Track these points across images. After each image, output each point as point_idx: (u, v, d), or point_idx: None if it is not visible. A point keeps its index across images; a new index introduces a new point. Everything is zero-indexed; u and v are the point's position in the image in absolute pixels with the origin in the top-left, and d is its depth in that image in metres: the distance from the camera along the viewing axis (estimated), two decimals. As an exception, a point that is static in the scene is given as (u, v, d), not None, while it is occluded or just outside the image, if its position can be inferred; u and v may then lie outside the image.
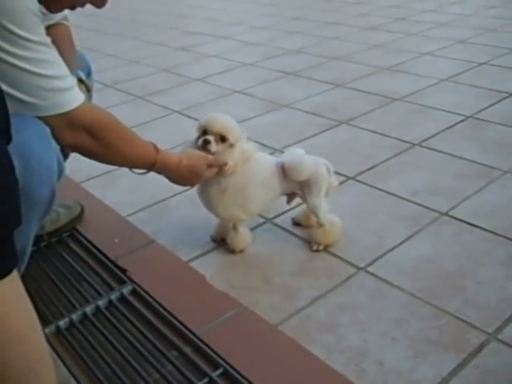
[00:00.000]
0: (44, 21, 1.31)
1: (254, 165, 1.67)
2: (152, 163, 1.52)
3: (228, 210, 1.69)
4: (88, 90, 1.74)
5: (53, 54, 1.29)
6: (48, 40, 1.28)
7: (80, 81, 1.66)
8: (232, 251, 1.75)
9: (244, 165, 1.65)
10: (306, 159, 1.65)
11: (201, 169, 1.59)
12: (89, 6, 1.43)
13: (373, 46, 3.82)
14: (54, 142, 1.34)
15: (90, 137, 1.37)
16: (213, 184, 1.65)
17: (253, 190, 1.67)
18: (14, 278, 0.83)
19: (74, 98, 1.33)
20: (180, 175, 1.59)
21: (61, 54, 1.36)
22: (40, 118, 1.29)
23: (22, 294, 0.87)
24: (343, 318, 1.45)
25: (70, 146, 1.41)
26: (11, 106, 1.24)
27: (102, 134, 1.40)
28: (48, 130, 1.31)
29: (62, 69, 1.31)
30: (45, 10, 1.34)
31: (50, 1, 1.36)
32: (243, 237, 1.75)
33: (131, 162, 1.53)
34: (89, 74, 1.84)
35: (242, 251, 1.75)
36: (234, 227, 1.73)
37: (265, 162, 1.70)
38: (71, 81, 1.33)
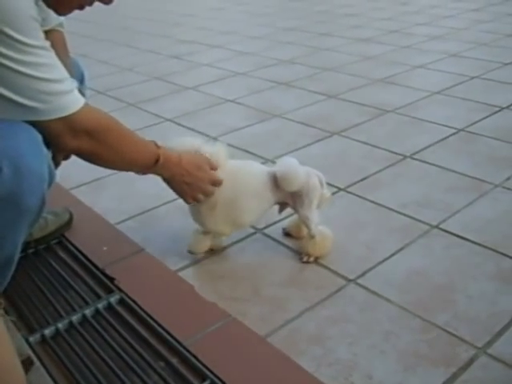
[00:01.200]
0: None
1: (244, 176, 1.66)
2: (156, 159, 1.51)
3: (218, 226, 1.69)
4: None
5: (52, 57, 1.28)
6: (47, 44, 1.27)
7: None
8: (191, 252, 1.76)
9: (234, 176, 1.64)
10: (298, 170, 1.63)
11: (204, 163, 1.59)
12: (96, 4, 1.41)
13: (366, 58, 3.83)
14: (44, 149, 1.33)
15: (92, 140, 1.36)
16: (199, 204, 1.66)
17: (245, 202, 1.66)
18: None
19: (75, 101, 1.32)
20: (185, 171, 1.57)
21: None
22: (41, 124, 1.28)
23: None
24: (332, 331, 1.43)
25: (73, 151, 1.41)
26: (13, 112, 1.24)
27: (104, 136, 1.40)
28: (39, 136, 1.30)
29: (61, 72, 1.30)
30: (41, 16, 1.33)
31: (58, 4, 1.36)
32: (206, 242, 1.75)
33: (135, 162, 1.52)
34: (82, 80, 1.82)
35: (200, 254, 1.77)
36: (204, 232, 1.73)
37: (256, 172, 1.69)
38: (71, 84, 1.32)
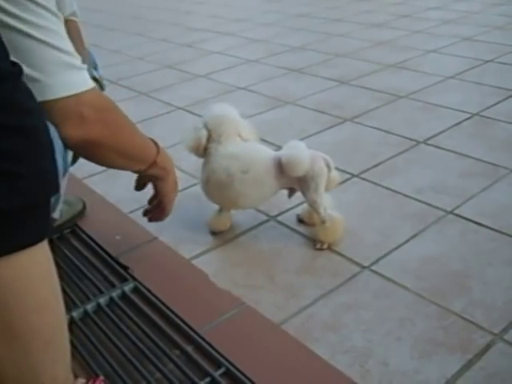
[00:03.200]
0: None
1: (245, 160, 1.67)
2: (156, 153, 1.48)
3: (213, 199, 1.76)
4: (102, 89, 1.68)
5: (62, 28, 1.15)
6: (61, 16, 1.16)
7: (94, 79, 1.52)
8: (210, 231, 1.81)
9: (234, 160, 1.67)
10: (302, 154, 1.62)
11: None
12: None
13: (378, 43, 3.79)
14: (60, 142, 1.26)
15: (100, 124, 1.22)
16: (201, 172, 1.75)
17: (239, 186, 1.67)
18: (46, 244, 0.84)
19: (85, 80, 1.19)
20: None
21: None
22: (46, 109, 1.12)
23: (52, 261, 0.87)
24: (347, 318, 1.43)
25: (77, 143, 1.22)
26: None
27: (114, 120, 1.30)
28: (56, 134, 1.26)
29: (71, 46, 1.17)
30: None
31: None
32: (223, 220, 1.80)
33: (139, 154, 1.45)
34: (95, 70, 1.82)
35: (218, 232, 1.81)
36: (220, 210, 1.78)
37: (260, 157, 1.69)
38: (81, 63, 1.19)
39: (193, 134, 1.71)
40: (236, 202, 1.72)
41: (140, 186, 1.61)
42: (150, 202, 1.65)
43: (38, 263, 0.83)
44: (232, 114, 1.72)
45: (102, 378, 1.25)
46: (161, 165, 1.49)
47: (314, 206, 1.68)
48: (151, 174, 1.51)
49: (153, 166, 1.47)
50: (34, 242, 0.80)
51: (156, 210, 1.64)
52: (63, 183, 1.38)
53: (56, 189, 0.83)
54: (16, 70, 0.78)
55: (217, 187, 1.70)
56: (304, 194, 1.68)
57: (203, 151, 1.71)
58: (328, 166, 1.67)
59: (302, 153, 1.63)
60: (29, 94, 0.80)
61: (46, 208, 0.83)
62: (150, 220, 1.68)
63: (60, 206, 1.72)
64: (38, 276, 0.84)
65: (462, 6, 4.60)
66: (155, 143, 1.50)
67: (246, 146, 1.70)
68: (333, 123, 2.59)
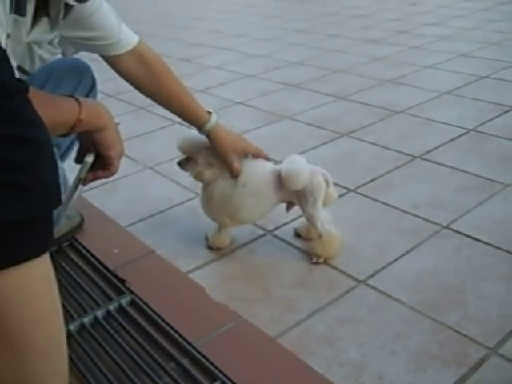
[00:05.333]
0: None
1: (246, 175, 1.68)
2: (78, 111, 1.32)
3: (214, 215, 1.76)
4: None
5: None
6: None
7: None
8: (209, 247, 1.81)
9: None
10: (302, 169, 1.64)
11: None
12: None
13: (375, 59, 3.82)
14: (59, 163, 1.31)
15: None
16: (202, 189, 1.75)
17: (241, 200, 1.68)
18: (47, 257, 0.83)
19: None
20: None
21: None
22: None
23: (53, 274, 0.86)
24: (343, 331, 1.43)
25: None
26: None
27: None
28: (55, 150, 1.28)
29: None
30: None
31: None
32: (223, 238, 1.81)
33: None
34: (93, 85, 1.84)
35: (218, 249, 1.80)
36: (219, 228, 1.78)
37: (260, 171, 1.70)
38: None
39: (197, 167, 1.70)
40: (237, 217, 1.73)
41: (81, 155, 1.41)
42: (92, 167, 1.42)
43: (38, 276, 0.83)
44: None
45: None
46: (87, 120, 1.31)
47: (311, 220, 1.69)
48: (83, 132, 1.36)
49: (78, 125, 1.30)
50: (35, 255, 0.80)
51: (100, 169, 1.41)
52: (72, 199, 1.39)
53: (59, 202, 0.83)
54: (23, 86, 0.79)
55: (219, 203, 1.70)
56: (302, 207, 1.69)
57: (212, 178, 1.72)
58: (326, 182, 1.68)
59: (301, 167, 1.64)
60: (34, 108, 0.81)
61: (49, 221, 0.83)
62: (94, 178, 1.41)
63: (63, 220, 1.73)
64: (39, 289, 0.84)
65: (458, 23, 4.65)
66: (77, 101, 1.31)
67: (246, 161, 1.72)
68: (329, 138, 2.60)
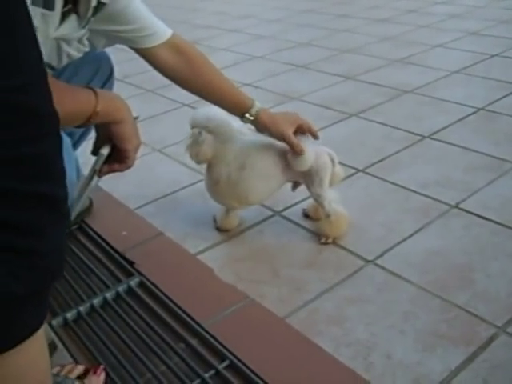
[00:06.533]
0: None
1: (254, 156, 1.68)
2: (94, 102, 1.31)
3: (223, 200, 1.75)
4: None
5: None
6: None
7: None
8: (217, 229, 1.81)
9: (243, 156, 1.67)
10: (308, 149, 1.63)
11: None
12: None
13: (384, 39, 3.79)
14: (74, 154, 1.32)
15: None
16: (207, 175, 1.73)
17: (250, 182, 1.68)
18: (41, 333, 0.75)
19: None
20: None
21: None
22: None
23: (46, 350, 0.80)
24: (351, 311, 1.44)
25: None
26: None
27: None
28: (69, 141, 1.30)
29: None
30: None
31: None
32: (232, 220, 1.81)
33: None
34: (111, 74, 1.86)
35: (227, 231, 1.81)
36: (227, 209, 1.78)
37: (267, 151, 1.70)
38: None
39: (195, 142, 1.65)
40: (246, 199, 1.72)
41: (97, 147, 1.40)
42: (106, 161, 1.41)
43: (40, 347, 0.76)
44: (220, 112, 1.69)
45: (102, 366, 1.26)
46: (104, 113, 1.29)
47: (318, 200, 1.69)
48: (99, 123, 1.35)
49: (94, 117, 1.28)
50: (38, 327, 0.71)
51: (116, 161, 1.41)
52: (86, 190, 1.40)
53: (63, 262, 0.74)
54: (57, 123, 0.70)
55: (227, 186, 1.69)
56: (308, 188, 1.69)
57: (208, 157, 1.68)
58: (332, 161, 1.68)
59: (307, 147, 1.64)
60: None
61: (47, 293, 0.73)
62: (109, 170, 1.42)
63: (78, 210, 1.72)
64: (40, 357, 0.77)
65: (468, 1, 4.59)
66: (94, 92, 1.29)
67: (252, 141, 1.71)
68: (338, 118, 2.59)
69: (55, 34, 1.20)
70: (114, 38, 1.48)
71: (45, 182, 0.66)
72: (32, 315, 0.69)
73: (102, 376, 1.25)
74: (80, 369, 1.24)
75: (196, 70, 1.62)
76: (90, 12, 1.27)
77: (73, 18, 1.24)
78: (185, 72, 1.61)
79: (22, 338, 0.68)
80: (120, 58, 1.63)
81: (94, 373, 1.24)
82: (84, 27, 1.31)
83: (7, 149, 0.60)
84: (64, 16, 1.20)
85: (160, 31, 1.55)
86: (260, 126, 1.65)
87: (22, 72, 0.62)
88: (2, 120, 0.60)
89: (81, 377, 1.22)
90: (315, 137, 1.68)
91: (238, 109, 1.64)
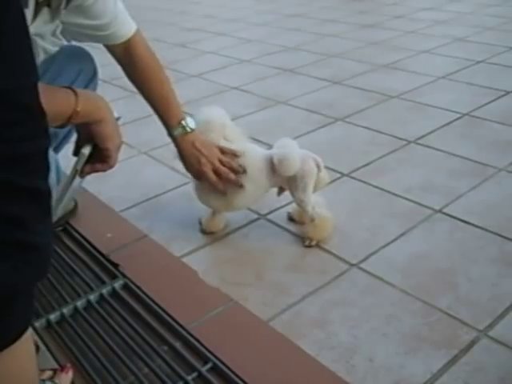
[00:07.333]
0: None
1: (239, 163, 1.68)
2: (74, 102, 1.33)
3: (209, 202, 1.76)
4: None
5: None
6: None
7: None
8: (202, 231, 1.82)
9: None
10: (294, 155, 1.64)
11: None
12: None
13: (370, 44, 3.81)
14: (54, 154, 1.32)
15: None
16: None
17: (235, 188, 1.69)
18: (29, 335, 0.76)
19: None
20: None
21: None
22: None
23: (33, 353, 0.81)
24: (334, 315, 1.44)
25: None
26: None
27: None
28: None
29: None
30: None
31: None
32: (217, 222, 1.81)
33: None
34: (94, 74, 1.86)
35: (212, 233, 1.81)
36: (213, 212, 1.79)
37: (253, 157, 1.70)
38: None
39: None
40: (231, 203, 1.73)
41: (78, 147, 1.40)
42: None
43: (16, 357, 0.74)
44: (216, 117, 1.73)
45: (69, 365, 1.27)
46: (84, 112, 1.30)
47: (301, 205, 1.70)
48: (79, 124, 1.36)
49: (75, 116, 1.30)
50: (26, 327, 0.72)
51: (98, 161, 1.41)
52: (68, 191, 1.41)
53: (50, 260, 0.74)
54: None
55: (214, 191, 1.70)
56: (292, 193, 1.70)
57: None
58: (318, 166, 1.68)
59: (293, 152, 1.64)
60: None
61: (33, 296, 0.74)
62: (92, 170, 1.42)
63: (60, 212, 1.73)
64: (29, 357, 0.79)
65: (454, 7, 4.63)
66: (74, 92, 1.30)
67: (239, 147, 1.71)
68: (324, 123, 2.60)
69: (30, 31, 1.20)
70: (79, 36, 1.50)
71: (38, 178, 0.69)
72: (20, 314, 0.70)
73: (70, 373, 1.25)
74: (48, 373, 1.23)
75: (139, 78, 1.73)
76: (63, 4, 1.26)
77: (45, 11, 1.23)
78: (129, 74, 1.72)
79: (13, 339, 0.69)
80: (107, 59, 1.63)
81: (62, 371, 1.24)
82: (56, 19, 1.30)
83: (9, 145, 0.64)
84: (36, 11, 1.19)
85: (121, 31, 1.58)
86: (183, 145, 1.72)
87: (23, 72, 0.66)
88: (5, 119, 0.63)
89: (51, 377, 1.22)
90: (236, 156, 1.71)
91: (168, 117, 1.76)
